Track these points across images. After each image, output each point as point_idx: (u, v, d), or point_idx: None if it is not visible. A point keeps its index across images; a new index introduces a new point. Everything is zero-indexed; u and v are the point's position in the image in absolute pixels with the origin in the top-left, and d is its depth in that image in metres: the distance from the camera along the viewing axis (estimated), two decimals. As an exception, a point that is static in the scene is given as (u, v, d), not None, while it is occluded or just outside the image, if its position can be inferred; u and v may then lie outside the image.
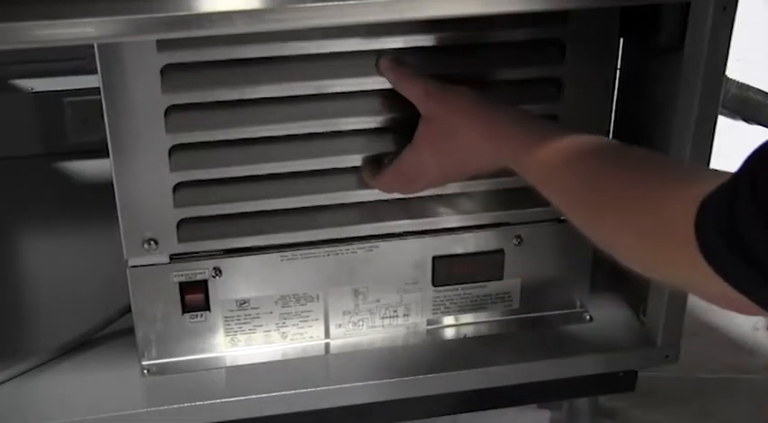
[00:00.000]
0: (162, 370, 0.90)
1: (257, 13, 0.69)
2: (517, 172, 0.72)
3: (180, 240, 0.84)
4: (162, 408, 0.86)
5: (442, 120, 0.77)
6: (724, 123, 1.81)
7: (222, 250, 0.86)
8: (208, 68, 0.79)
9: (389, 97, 0.82)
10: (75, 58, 1.16)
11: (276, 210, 0.86)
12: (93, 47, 0.75)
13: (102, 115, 0.78)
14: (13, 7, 0.65)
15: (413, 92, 0.79)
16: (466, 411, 1.01)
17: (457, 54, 0.83)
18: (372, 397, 0.91)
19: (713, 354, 1.29)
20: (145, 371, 0.89)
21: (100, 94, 0.77)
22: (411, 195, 0.87)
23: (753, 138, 1.89)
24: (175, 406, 0.87)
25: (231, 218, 0.85)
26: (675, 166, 0.69)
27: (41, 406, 0.86)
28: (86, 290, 0.99)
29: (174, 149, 0.81)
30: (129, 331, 0.90)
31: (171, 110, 0.79)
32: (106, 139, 0.80)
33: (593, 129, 0.84)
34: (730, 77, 1.90)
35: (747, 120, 1.93)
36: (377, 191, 0.86)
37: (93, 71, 0.76)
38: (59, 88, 1.24)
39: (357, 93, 0.82)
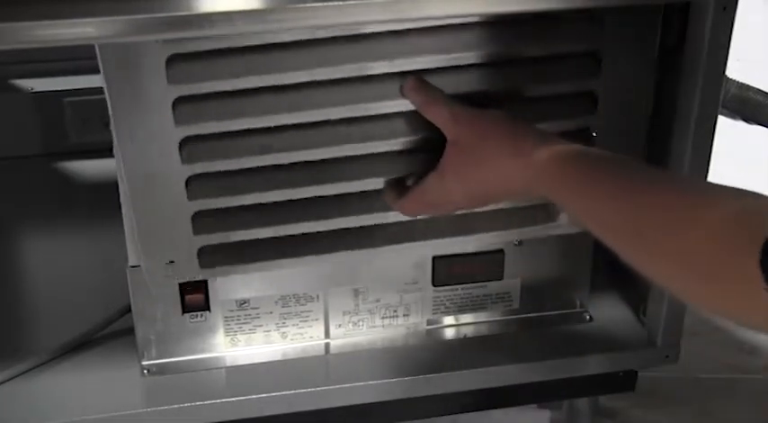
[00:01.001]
0: (162, 370, 0.90)
1: (258, 14, 0.69)
2: (540, 193, 0.70)
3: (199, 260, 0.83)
4: (162, 408, 0.86)
5: (469, 143, 0.75)
6: (724, 123, 1.81)
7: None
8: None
9: (412, 119, 0.79)
10: (75, 58, 1.16)
11: (298, 235, 0.83)
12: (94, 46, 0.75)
13: (102, 115, 0.78)
14: (13, 7, 0.65)
15: (439, 116, 0.77)
16: (466, 411, 1.01)
17: (490, 71, 0.80)
18: (372, 397, 0.91)
19: (713, 354, 1.29)
20: (145, 371, 0.89)
21: (99, 94, 0.76)
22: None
23: (753, 138, 1.90)
24: (175, 406, 0.87)
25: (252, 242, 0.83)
26: (713, 195, 0.62)
27: (41, 406, 0.86)
28: (86, 290, 0.99)
29: (191, 179, 0.79)
30: (129, 331, 0.90)
31: (186, 141, 0.78)
32: (106, 139, 0.79)
33: (630, 143, 0.83)
34: (730, 77, 1.90)
35: (747, 120, 1.94)
36: (399, 214, 0.83)
37: (94, 71, 0.76)
38: (59, 88, 1.24)
39: (380, 116, 0.80)
